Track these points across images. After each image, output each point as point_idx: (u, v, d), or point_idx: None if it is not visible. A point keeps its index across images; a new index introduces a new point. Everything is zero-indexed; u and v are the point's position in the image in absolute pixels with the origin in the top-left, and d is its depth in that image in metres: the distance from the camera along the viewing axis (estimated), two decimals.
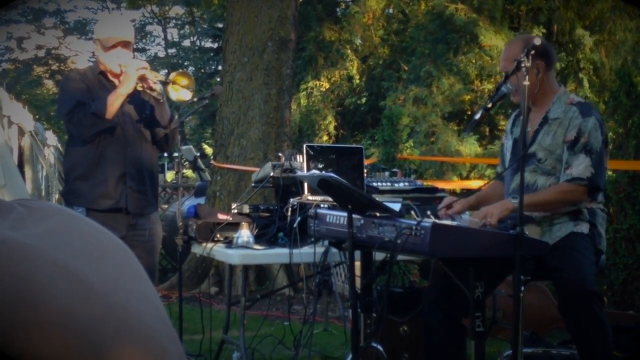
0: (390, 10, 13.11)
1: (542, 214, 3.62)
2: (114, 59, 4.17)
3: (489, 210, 3.45)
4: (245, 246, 4.23)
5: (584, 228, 3.61)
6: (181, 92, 4.26)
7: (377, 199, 3.66)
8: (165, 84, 4.21)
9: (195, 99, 5.37)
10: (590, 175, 3.54)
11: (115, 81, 4.23)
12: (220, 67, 12.54)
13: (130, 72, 4.06)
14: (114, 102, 4.06)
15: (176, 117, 4.46)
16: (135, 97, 4.22)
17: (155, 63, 27.01)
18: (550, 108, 3.68)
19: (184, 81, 4.26)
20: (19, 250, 0.84)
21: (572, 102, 3.68)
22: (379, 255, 3.59)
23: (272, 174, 4.54)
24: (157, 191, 4.57)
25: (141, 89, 4.16)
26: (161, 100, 4.16)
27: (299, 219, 4.13)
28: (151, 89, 4.15)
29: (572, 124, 3.61)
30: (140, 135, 4.25)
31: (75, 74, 4.36)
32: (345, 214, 3.39)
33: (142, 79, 4.11)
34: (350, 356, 3.67)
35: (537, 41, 3.23)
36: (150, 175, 4.34)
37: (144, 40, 30.72)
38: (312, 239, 3.99)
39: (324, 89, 12.94)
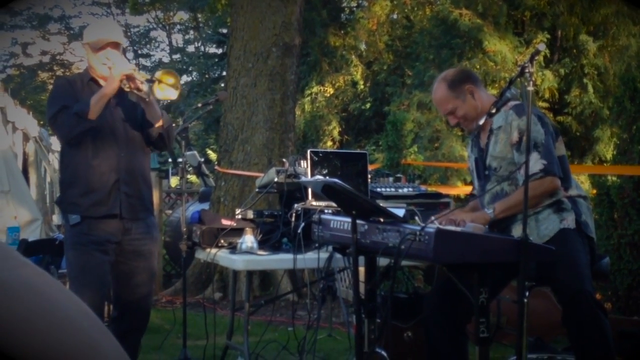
0: (395, 16, 13.11)
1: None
2: (103, 60, 4.17)
3: (465, 218, 3.56)
4: (249, 252, 4.23)
5: (570, 222, 3.63)
6: (167, 91, 4.24)
7: (381, 204, 3.66)
8: (151, 81, 4.19)
9: (199, 105, 5.39)
10: (542, 167, 3.60)
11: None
12: (224, 73, 12.55)
13: (114, 73, 4.06)
14: (97, 102, 4.04)
15: (169, 115, 4.44)
16: (125, 102, 4.22)
17: (159, 68, 27.07)
18: (492, 120, 3.72)
19: (170, 80, 4.24)
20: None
21: (509, 107, 3.73)
22: (383, 261, 3.59)
23: (276, 179, 4.55)
24: (152, 196, 4.55)
25: (128, 89, 4.15)
26: (148, 100, 4.14)
27: (303, 224, 4.13)
28: (138, 89, 4.14)
29: (512, 126, 3.69)
30: (133, 140, 4.23)
31: (63, 80, 4.37)
32: (349, 220, 3.39)
33: (130, 78, 4.11)
34: None
35: (542, 47, 3.26)
36: (144, 180, 4.32)
37: (148, 46, 30.81)
38: (316, 245, 3.98)
39: (328, 95, 12.94)
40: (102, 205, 4.12)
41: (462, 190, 9.14)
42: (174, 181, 22.41)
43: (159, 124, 4.19)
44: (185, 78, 25.12)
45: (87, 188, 4.12)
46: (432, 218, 3.44)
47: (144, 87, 4.13)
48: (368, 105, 13.04)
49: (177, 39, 30.37)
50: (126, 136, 4.19)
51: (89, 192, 4.12)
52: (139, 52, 31.02)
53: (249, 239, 4.26)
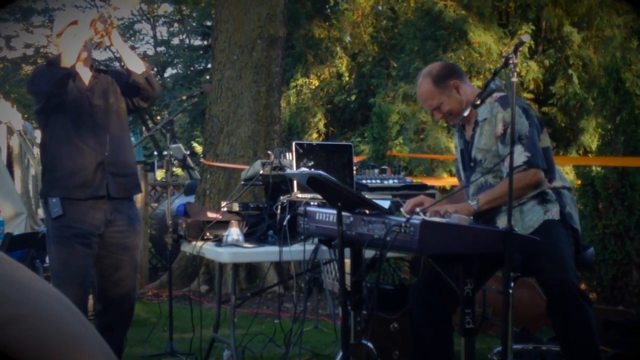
0: (380, 7, 13.10)
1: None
2: (69, 38, 4.18)
3: (448, 209, 3.54)
4: (235, 244, 4.22)
5: (554, 213, 3.64)
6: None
7: (366, 196, 3.66)
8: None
9: (184, 97, 5.38)
10: (526, 159, 3.60)
11: (82, 72, 4.22)
12: (209, 65, 12.51)
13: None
14: (67, 48, 4.10)
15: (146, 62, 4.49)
16: (98, 85, 4.23)
17: (144, 61, 26.93)
18: (477, 112, 3.72)
19: None
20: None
21: (494, 99, 3.72)
22: (368, 253, 3.59)
23: (261, 171, 4.54)
24: (137, 174, 4.53)
25: (103, 38, 4.17)
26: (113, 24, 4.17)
27: (288, 216, 4.13)
28: (110, 25, 4.16)
29: (497, 119, 3.68)
30: (113, 120, 4.22)
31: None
32: (334, 212, 3.39)
33: (94, 28, 4.14)
34: (340, 353, 3.68)
35: (526, 37, 3.25)
36: (130, 157, 4.32)
37: (132, 39, 30.61)
38: (302, 237, 3.98)
39: (313, 87, 12.92)
40: (87, 187, 4.10)
41: (448, 181, 9.16)
42: (159, 174, 22.35)
43: (142, 69, 4.25)
44: (170, 71, 25.05)
45: (71, 170, 4.10)
46: (417, 209, 3.44)
47: (109, 16, 4.16)
48: (353, 97, 13.03)
49: (162, 31, 30.28)
50: (106, 117, 4.19)
51: (72, 173, 4.10)
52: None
53: (234, 232, 4.25)
